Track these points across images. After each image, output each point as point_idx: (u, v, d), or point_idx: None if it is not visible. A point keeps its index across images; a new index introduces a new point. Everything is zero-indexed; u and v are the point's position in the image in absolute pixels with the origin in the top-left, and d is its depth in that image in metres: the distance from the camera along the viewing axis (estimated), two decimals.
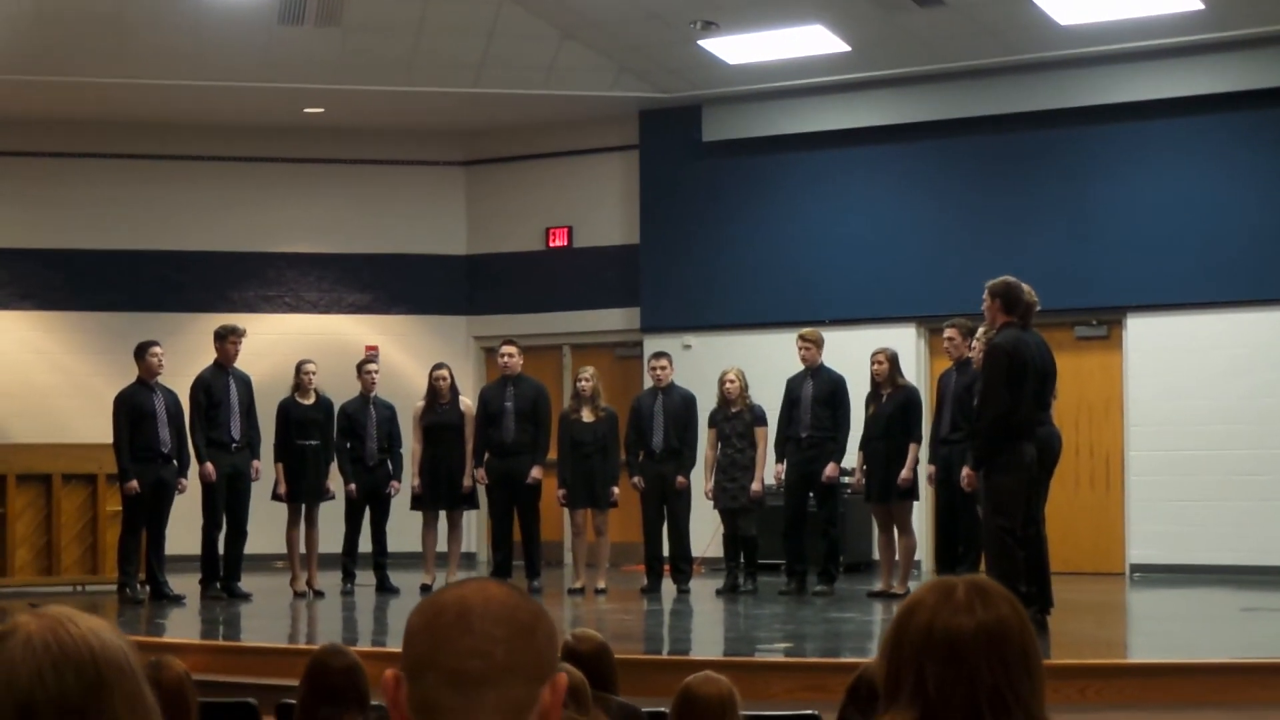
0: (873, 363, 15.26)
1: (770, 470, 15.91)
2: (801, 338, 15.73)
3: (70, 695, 2.16)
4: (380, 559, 16.42)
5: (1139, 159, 17.68)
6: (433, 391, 16.38)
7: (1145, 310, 17.50)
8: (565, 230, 20.71)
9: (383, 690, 2.37)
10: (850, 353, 16.29)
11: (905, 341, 17.55)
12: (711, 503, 15.94)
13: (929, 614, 2.84)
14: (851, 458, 15.70)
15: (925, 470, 15.12)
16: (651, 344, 18.47)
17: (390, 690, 2.36)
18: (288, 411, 16.20)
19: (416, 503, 16.44)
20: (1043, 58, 17.61)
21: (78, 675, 2.17)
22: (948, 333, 14.98)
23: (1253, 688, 9.70)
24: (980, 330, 12.66)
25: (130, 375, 15.83)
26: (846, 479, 16.06)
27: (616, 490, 16.00)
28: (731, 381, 15.80)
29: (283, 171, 20.71)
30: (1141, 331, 17.55)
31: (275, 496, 16.16)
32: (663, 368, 16.10)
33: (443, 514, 16.46)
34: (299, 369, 16.32)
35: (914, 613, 2.86)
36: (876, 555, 16.06)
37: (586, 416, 15.99)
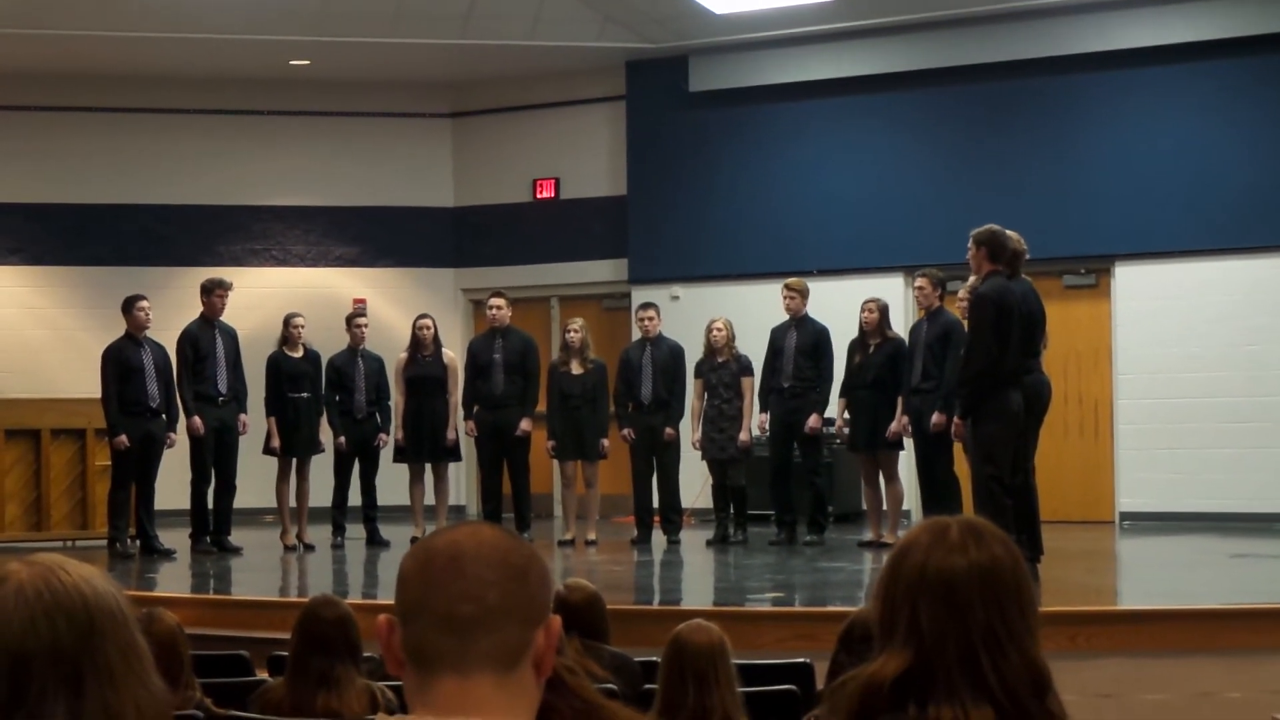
0: (863, 311, 15.23)
1: (756, 420, 15.91)
2: (787, 287, 15.70)
3: (63, 644, 2.16)
4: (370, 512, 16.40)
5: (1127, 107, 17.66)
6: (416, 342, 16.35)
7: (1134, 259, 17.50)
8: (552, 182, 20.67)
9: (376, 634, 2.37)
10: (837, 303, 16.27)
11: (893, 291, 17.51)
12: (700, 454, 15.95)
13: (923, 554, 2.84)
14: (834, 407, 15.69)
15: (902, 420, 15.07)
16: (639, 295, 18.42)
17: (384, 634, 2.36)
18: (278, 364, 16.16)
19: (399, 455, 16.43)
20: (1031, 5, 17.57)
21: (70, 623, 2.17)
22: (918, 282, 15.01)
23: (1242, 633, 9.73)
24: (971, 279, 12.60)
25: (118, 329, 15.80)
26: (831, 429, 16.05)
27: (606, 442, 15.99)
28: (719, 330, 15.77)
29: (269, 124, 20.64)
30: (1130, 280, 17.55)
31: (268, 450, 16.14)
32: (650, 319, 16.08)
33: (429, 466, 16.46)
34: (288, 322, 16.28)
35: (908, 553, 2.87)
36: (866, 505, 16.06)
37: (575, 368, 15.97)
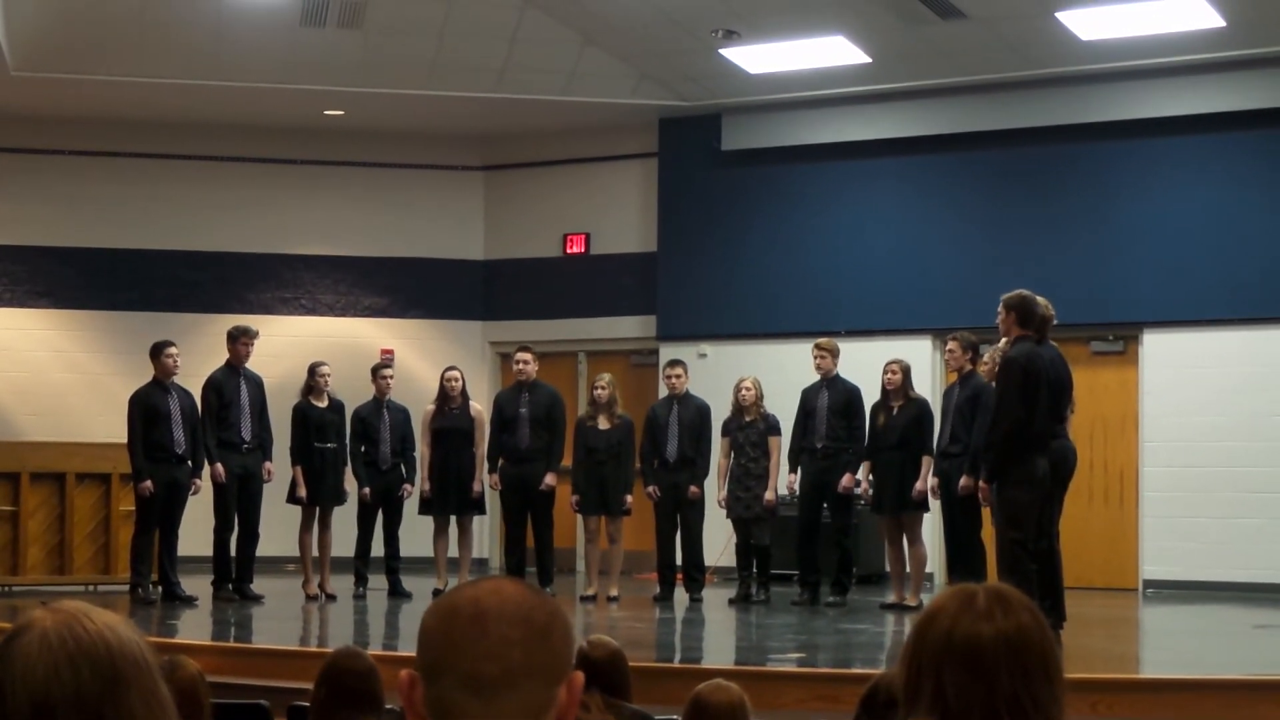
0: (886, 372, 15.22)
1: (784, 480, 15.88)
2: (818, 347, 15.70)
3: (87, 692, 2.15)
4: (393, 563, 16.40)
5: (1158, 175, 17.65)
6: (443, 394, 16.37)
7: (1162, 326, 17.46)
8: (583, 237, 20.70)
9: (398, 690, 2.36)
10: (866, 363, 16.23)
11: (921, 353, 17.52)
12: (725, 512, 15.92)
13: (949, 621, 2.83)
14: (861, 468, 15.64)
15: (930, 482, 15.04)
16: (667, 352, 18.45)
17: (405, 690, 2.35)
18: (305, 414, 16.19)
19: (425, 507, 16.42)
20: (1063, 72, 17.58)
21: (94, 671, 2.16)
22: (949, 345, 15.00)
23: (1264, 705, 9.67)
24: (1002, 343, 12.59)
25: (146, 375, 15.83)
26: (858, 490, 16.02)
27: (629, 498, 15.97)
28: (747, 389, 15.77)
29: (302, 173, 20.72)
30: (1158, 347, 17.51)
31: (293, 499, 16.16)
32: (678, 376, 16.08)
33: (454, 519, 16.45)
34: (313, 371, 16.31)
35: (934, 619, 2.85)
36: (889, 567, 16.00)
37: (602, 424, 15.97)
